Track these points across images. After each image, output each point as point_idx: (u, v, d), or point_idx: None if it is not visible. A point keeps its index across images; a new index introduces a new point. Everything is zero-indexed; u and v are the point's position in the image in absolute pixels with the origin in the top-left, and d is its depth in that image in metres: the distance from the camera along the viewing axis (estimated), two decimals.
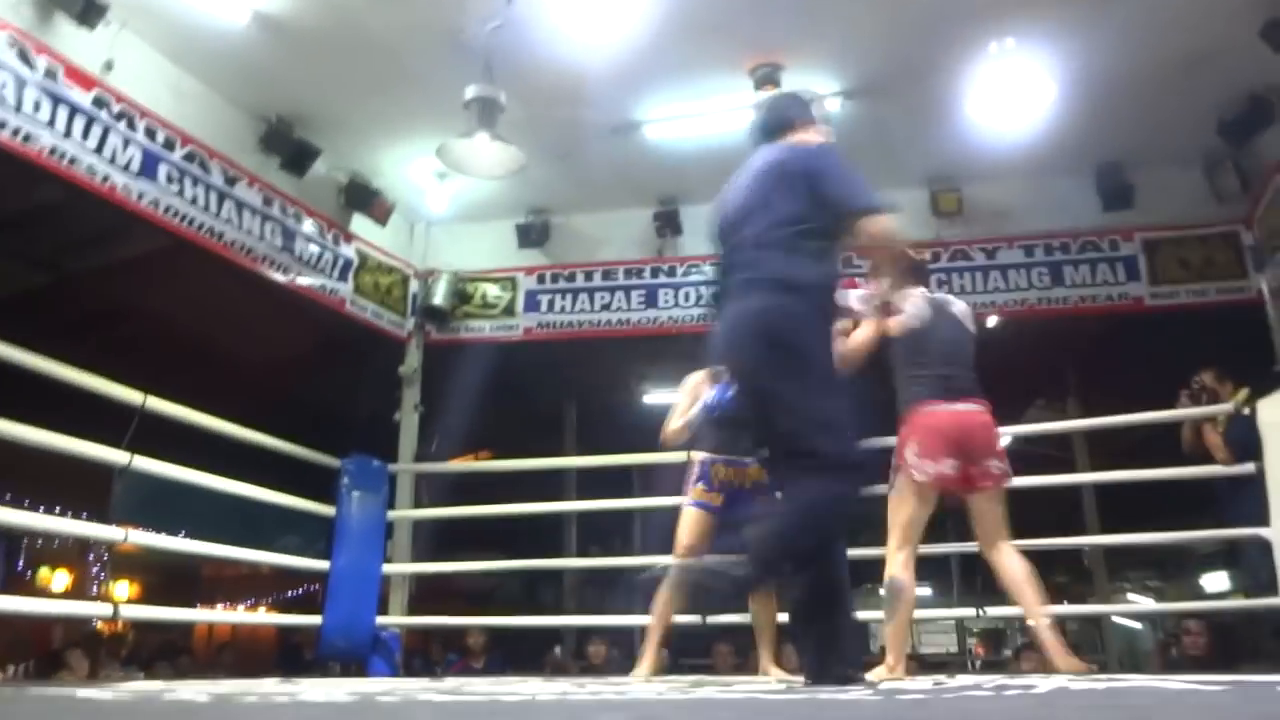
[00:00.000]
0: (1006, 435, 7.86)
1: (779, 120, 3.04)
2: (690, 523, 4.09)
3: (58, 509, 6.62)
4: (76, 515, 6.18)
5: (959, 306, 3.74)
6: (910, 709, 1.75)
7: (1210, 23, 4.73)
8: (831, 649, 2.60)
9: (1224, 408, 4.99)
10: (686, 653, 9.51)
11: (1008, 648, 13.30)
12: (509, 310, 6.79)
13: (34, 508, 6.54)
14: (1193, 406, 5.15)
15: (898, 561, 3.42)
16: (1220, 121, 5.40)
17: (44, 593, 11.54)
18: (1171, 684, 2.46)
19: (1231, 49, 4.82)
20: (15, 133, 4.22)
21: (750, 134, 3.16)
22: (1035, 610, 3.51)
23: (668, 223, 6.51)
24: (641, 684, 3.20)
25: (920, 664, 7.74)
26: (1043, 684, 2.42)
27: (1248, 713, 1.55)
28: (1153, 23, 4.76)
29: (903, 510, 3.46)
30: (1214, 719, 1.49)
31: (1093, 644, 12.59)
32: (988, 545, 3.58)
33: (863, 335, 3.55)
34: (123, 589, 12.19)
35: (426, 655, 8.64)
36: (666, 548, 4.22)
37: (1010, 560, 3.51)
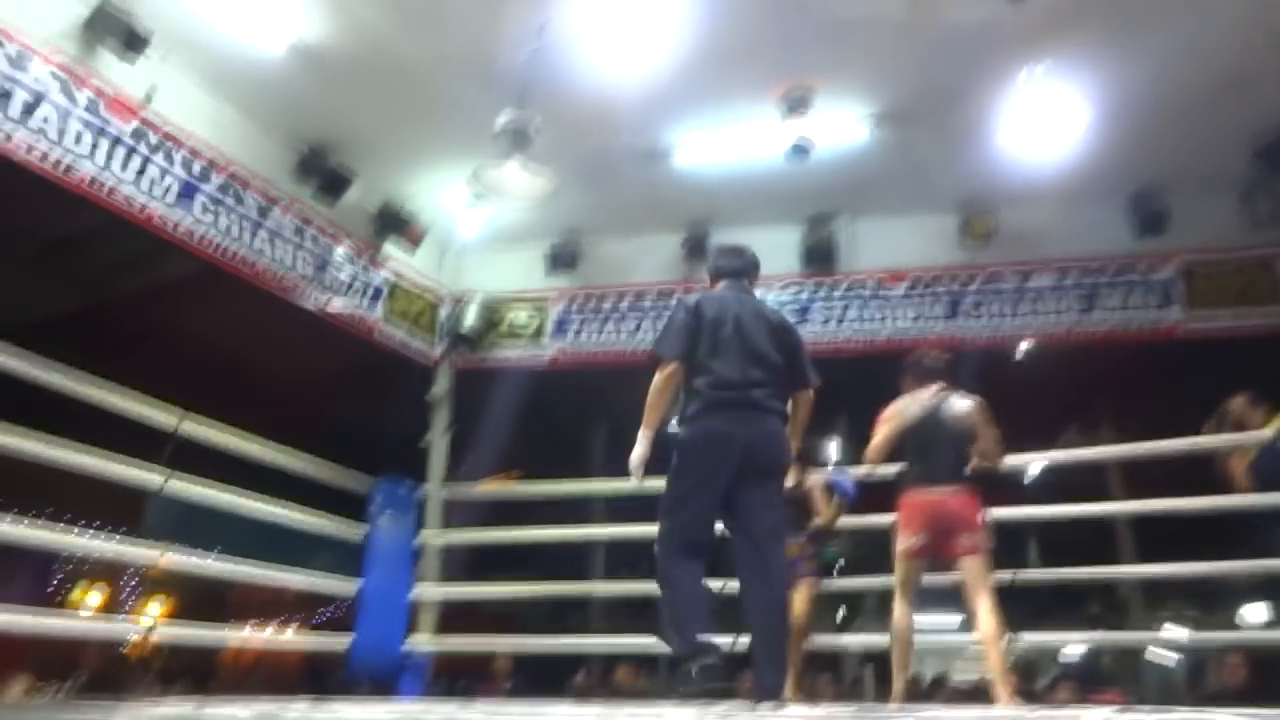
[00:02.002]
0: (1039, 462, 7.78)
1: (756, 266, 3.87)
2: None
3: (90, 528, 6.69)
4: (109, 534, 6.22)
5: (953, 406, 4.25)
6: None
7: (1245, 48, 4.70)
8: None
9: (1255, 435, 4.87)
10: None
11: (1042, 677, 13.05)
12: (538, 335, 6.81)
13: (67, 526, 6.61)
14: (1214, 434, 5.02)
15: (896, 609, 4.24)
16: (1256, 147, 5.34)
17: (76, 611, 11.66)
18: (1218, 716, 2.41)
19: (1267, 75, 4.79)
20: (57, 164, 4.32)
21: (736, 268, 3.81)
22: (994, 670, 4.02)
23: (697, 247, 6.52)
24: (674, 709, 3.17)
25: (954, 693, 7.62)
26: (1086, 715, 2.38)
27: None
28: (1188, 48, 4.73)
29: (898, 571, 4.26)
30: None
31: (1128, 675, 12.35)
32: (969, 600, 4.13)
33: (878, 439, 4.35)
34: (154, 609, 12.28)
35: (449, 680, 8.59)
36: None
37: (982, 619, 4.05)
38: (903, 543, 4.20)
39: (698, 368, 3.51)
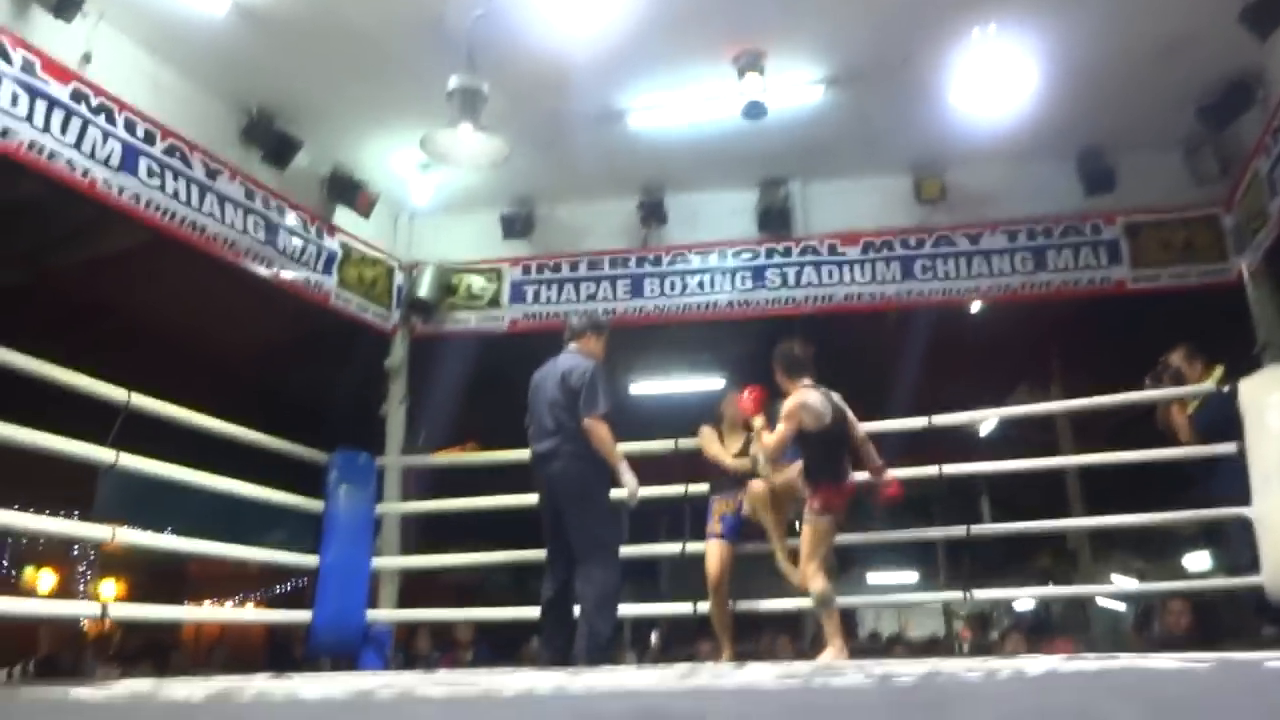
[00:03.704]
0: (991, 419, 7.88)
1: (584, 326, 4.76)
2: (710, 554, 5.05)
3: (45, 509, 6.56)
4: (61, 514, 6.13)
5: (845, 407, 4.69)
6: (907, 693, 1.77)
7: (1189, 7, 4.76)
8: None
9: (1198, 388, 4.99)
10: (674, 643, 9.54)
11: (994, 630, 13.40)
12: (494, 302, 6.77)
13: (18, 507, 6.47)
14: (1155, 388, 5.14)
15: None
16: (1200, 106, 5.43)
17: (29, 593, 11.46)
18: (1159, 662, 2.49)
19: (1211, 33, 4.85)
20: None
21: (572, 331, 4.81)
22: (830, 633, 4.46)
23: (652, 212, 6.50)
24: (636, 672, 3.21)
25: (908, 648, 7.79)
26: (1032, 666, 2.45)
27: (1237, 688, 1.57)
28: (1133, 7, 4.79)
29: (824, 542, 4.59)
30: (1206, 696, 1.51)
31: (1078, 625, 12.73)
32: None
33: (784, 434, 4.52)
34: (109, 587, 12.11)
35: (410, 650, 8.57)
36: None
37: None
38: (830, 522, 4.56)
39: None
